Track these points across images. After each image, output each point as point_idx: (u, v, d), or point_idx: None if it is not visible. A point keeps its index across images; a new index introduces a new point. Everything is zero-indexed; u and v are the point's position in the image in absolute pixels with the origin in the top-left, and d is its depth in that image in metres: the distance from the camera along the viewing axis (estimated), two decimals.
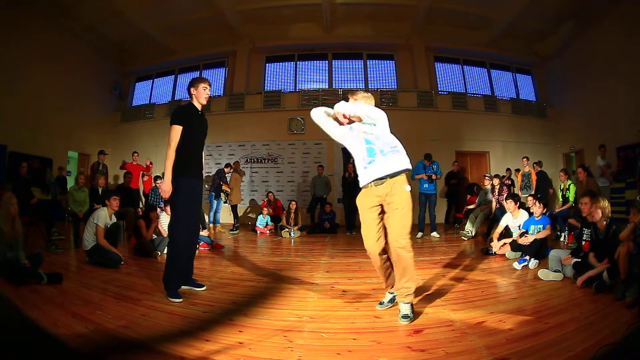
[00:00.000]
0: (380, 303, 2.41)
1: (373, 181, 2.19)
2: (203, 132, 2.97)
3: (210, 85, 2.94)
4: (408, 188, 2.18)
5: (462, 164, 8.91)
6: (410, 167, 2.22)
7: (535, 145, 9.49)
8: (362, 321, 2.17)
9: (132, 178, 6.76)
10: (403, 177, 2.19)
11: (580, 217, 3.66)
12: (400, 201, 2.14)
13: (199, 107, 2.89)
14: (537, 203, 4.22)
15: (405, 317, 2.10)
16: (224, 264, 4.05)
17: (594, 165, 6.78)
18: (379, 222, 2.25)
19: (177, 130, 2.72)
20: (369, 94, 2.51)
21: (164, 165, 2.70)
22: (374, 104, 2.41)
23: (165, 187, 2.68)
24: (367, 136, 2.25)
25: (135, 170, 7.17)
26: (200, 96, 2.85)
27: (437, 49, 9.92)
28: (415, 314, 2.16)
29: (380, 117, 2.24)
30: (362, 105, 2.30)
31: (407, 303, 2.15)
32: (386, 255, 2.31)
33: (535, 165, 7.27)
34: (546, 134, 9.75)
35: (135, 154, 7.51)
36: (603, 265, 2.82)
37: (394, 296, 2.34)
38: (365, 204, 2.27)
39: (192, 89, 2.86)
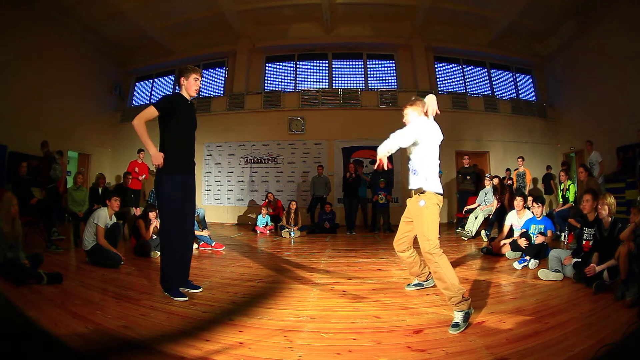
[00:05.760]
0: (408, 284, 2.91)
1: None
2: (192, 124, 2.77)
3: (202, 77, 2.77)
4: (422, 203, 2.35)
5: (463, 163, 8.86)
6: (422, 186, 2.37)
7: (535, 145, 9.50)
8: (362, 321, 2.17)
9: (132, 178, 6.70)
10: (416, 196, 2.41)
11: (581, 216, 3.66)
12: (414, 214, 2.44)
13: (188, 98, 2.71)
14: (535, 203, 4.22)
15: (454, 326, 1.99)
16: (224, 264, 4.05)
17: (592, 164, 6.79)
18: (405, 230, 2.68)
19: (151, 111, 2.53)
20: (414, 104, 2.54)
21: (140, 138, 2.51)
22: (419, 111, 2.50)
23: (156, 158, 2.52)
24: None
25: (142, 170, 7.03)
26: (191, 87, 2.68)
27: (437, 49, 9.91)
28: (467, 324, 2.03)
29: (410, 138, 2.30)
30: (390, 142, 2.27)
31: (459, 311, 2.06)
32: (409, 252, 2.75)
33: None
34: (546, 134, 9.75)
35: (142, 152, 7.20)
36: (608, 263, 2.80)
37: (419, 282, 2.87)
38: (406, 210, 2.63)
39: (182, 79, 2.68)
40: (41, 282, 2.81)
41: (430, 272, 2.61)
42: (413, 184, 2.44)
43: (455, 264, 3.91)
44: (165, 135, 2.61)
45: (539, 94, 10.40)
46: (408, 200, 2.54)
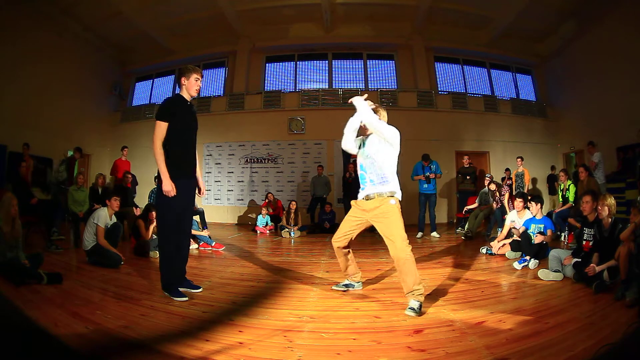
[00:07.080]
0: (337, 285, 2.87)
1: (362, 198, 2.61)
2: (192, 126, 2.76)
3: (202, 77, 2.77)
4: (393, 202, 2.50)
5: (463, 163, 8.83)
6: (395, 190, 2.55)
7: (535, 145, 9.50)
8: (362, 321, 2.17)
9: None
10: (385, 197, 2.52)
11: (581, 217, 3.66)
12: (387, 212, 2.48)
13: (188, 98, 2.71)
14: (533, 203, 4.22)
15: (411, 309, 2.24)
16: (224, 264, 4.05)
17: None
18: (352, 230, 2.67)
19: (161, 127, 2.56)
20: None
21: (157, 165, 2.55)
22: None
23: (167, 187, 2.52)
24: (364, 161, 2.61)
25: (126, 167, 6.96)
26: (192, 88, 2.67)
27: (437, 49, 9.91)
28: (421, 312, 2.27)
29: (394, 139, 2.52)
30: (381, 123, 2.53)
31: (418, 301, 2.31)
32: (346, 250, 2.76)
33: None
34: (546, 134, 9.75)
35: (125, 149, 7.11)
36: (608, 263, 2.80)
37: (350, 283, 2.84)
38: (353, 210, 2.69)
39: (183, 79, 2.67)
40: (41, 282, 2.80)
41: (360, 275, 2.88)
42: (385, 189, 2.52)
43: (455, 264, 3.92)
44: (166, 137, 2.60)
45: (539, 94, 10.40)
46: (366, 203, 2.56)
